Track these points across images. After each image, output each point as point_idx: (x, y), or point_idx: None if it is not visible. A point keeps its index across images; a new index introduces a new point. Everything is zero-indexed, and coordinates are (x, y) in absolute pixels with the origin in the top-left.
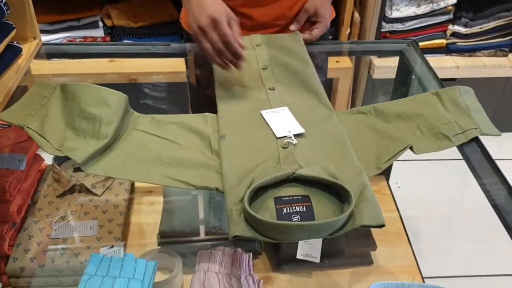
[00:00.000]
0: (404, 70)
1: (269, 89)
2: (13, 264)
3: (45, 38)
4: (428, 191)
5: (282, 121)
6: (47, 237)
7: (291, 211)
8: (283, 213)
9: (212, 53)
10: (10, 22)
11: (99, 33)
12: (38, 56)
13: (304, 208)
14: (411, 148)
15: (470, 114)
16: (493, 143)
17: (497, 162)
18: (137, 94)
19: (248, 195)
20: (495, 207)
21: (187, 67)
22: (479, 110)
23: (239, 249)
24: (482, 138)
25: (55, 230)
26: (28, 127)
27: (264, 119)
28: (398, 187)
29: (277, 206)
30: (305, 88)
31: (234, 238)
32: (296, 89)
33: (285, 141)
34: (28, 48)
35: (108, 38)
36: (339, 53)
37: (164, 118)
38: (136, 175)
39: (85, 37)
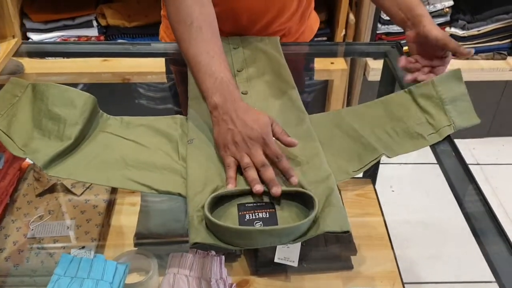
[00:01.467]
0: (388, 72)
1: (242, 93)
2: None
3: (39, 37)
4: (423, 195)
5: None
6: (23, 236)
7: (254, 217)
8: (245, 220)
9: (251, 167)
10: None
11: (93, 32)
12: (16, 54)
13: (267, 214)
14: (385, 154)
15: (444, 108)
16: (491, 148)
17: (494, 167)
18: (131, 94)
19: (209, 201)
20: (466, 214)
21: (167, 66)
22: (457, 98)
23: (212, 252)
24: (481, 143)
25: (32, 229)
26: None
27: None
28: (392, 191)
29: (240, 213)
30: (278, 91)
31: (194, 245)
32: (269, 93)
33: None
34: (6, 47)
35: (102, 38)
36: (324, 55)
37: (134, 120)
38: (99, 178)
39: (79, 36)
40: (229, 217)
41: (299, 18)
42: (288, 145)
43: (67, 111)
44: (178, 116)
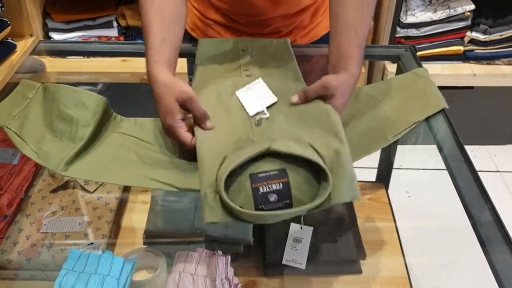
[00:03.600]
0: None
1: (246, 76)
2: (0, 256)
3: (61, 36)
4: (439, 202)
5: (256, 96)
6: (36, 231)
7: (268, 190)
8: (260, 193)
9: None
10: (5, 19)
11: (113, 33)
12: (36, 53)
13: (281, 185)
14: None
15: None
16: (509, 155)
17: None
18: (150, 94)
19: (223, 180)
20: (473, 221)
21: (189, 67)
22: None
23: (219, 252)
24: (503, 150)
25: (45, 224)
26: (8, 128)
27: (239, 99)
28: (409, 196)
29: (253, 185)
30: (285, 87)
31: (210, 223)
32: (275, 89)
33: (257, 118)
34: (23, 45)
35: (122, 38)
36: None
37: (147, 121)
38: (118, 178)
39: (99, 37)
40: (243, 191)
41: (312, 12)
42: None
43: (78, 112)
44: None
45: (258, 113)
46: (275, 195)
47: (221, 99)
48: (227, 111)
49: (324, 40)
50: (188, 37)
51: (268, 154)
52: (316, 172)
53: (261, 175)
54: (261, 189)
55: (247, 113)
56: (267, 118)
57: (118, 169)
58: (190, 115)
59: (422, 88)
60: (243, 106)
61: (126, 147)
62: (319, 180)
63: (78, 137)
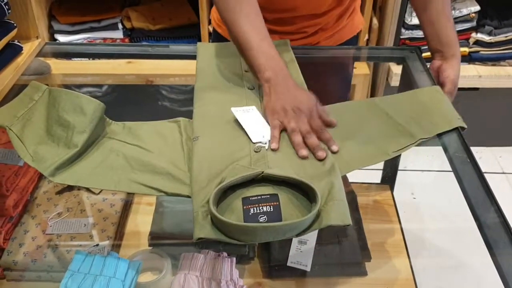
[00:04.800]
0: (407, 77)
1: (248, 88)
2: (6, 258)
3: (66, 38)
4: (444, 203)
5: (255, 123)
6: (42, 232)
7: (258, 211)
8: (250, 214)
9: (297, 132)
10: (12, 21)
11: (118, 34)
12: (42, 55)
13: (272, 208)
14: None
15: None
16: None
17: None
18: (155, 96)
19: (214, 196)
20: (479, 224)
21: None
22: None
23: (224, 254)
24: (508, 151)
25: (51, 226)
26: (10, 129)
27: (236, 117)
28: (414, 198)
29: (245, 207)
30: None
31: (198, 240)
32: None
33: (257, 145)
34: (29, 47)
35: (127, 40)
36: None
37: (136, 125)
38: (107, 183)
39: (104, 39)
40: (234, 212)
41: (337, 16)
42: (329, 123)
43: (76, 118)
44: (181, 119)
45: (259, 142)
46: (265, 217)
47: (223, 112)
48: (228, 129)
49: (349, 43)
50: (215, 34)
51: (262, 181)
52: (308, 201)
53: (253, 198)
54: (251, 210)
55: (249, 138)
56: (266, 149)
57: (106, 174)
58: None
59: (435, 105)
60: (242, 128)
61: (115, 152)
62: (310, 208)
63: (73, 143)
